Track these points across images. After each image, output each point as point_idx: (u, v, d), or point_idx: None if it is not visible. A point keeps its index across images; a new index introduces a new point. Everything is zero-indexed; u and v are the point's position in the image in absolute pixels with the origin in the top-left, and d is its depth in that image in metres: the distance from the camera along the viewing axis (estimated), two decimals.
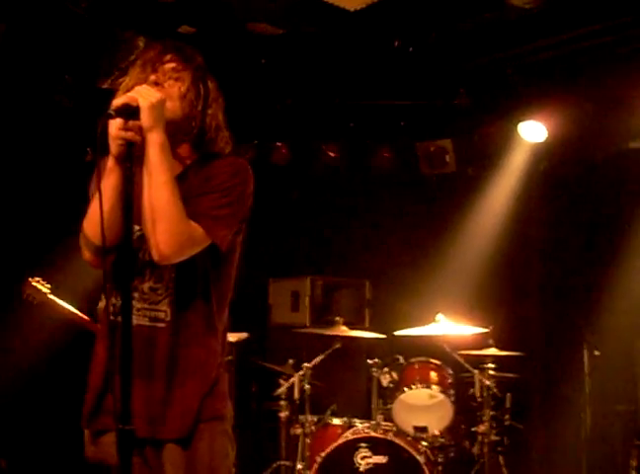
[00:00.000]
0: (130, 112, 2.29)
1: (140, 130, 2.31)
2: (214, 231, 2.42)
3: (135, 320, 2.38)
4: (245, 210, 2.55)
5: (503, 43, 6.02)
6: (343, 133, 6.78)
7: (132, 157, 2.30)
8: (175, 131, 2.43)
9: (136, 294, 2.43)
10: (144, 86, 2.37)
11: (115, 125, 2.29)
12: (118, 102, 2.30)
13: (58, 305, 4.86)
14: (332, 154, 6.81)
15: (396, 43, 5.94)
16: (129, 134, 2.29)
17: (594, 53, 5.75)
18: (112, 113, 2.27)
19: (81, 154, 5.82)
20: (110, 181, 2.34)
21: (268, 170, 6.64)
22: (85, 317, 4.86)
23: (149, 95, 2.32)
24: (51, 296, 4.85)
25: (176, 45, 2.56)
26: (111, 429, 2.35)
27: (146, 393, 2.39)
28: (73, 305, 4.90)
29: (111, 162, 2.35)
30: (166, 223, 2.32)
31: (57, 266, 5.44)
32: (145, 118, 2.29)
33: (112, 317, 2.41)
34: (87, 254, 2.49)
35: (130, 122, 2.29)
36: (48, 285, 4.87)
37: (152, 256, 2.37)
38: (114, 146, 2.31)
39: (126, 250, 2.26)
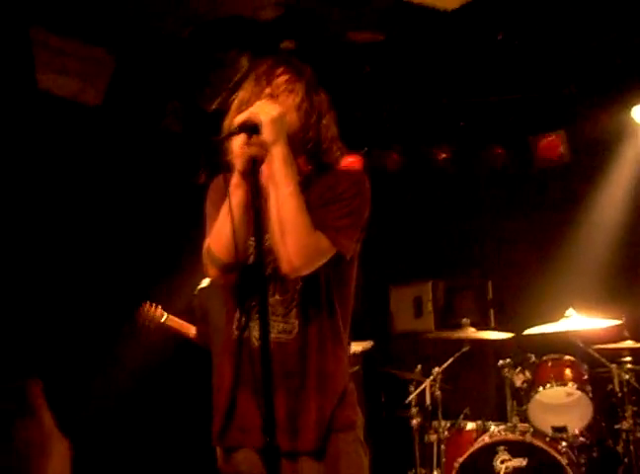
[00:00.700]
0: (252, 127, 2.31)
1: (263, 145, 2.33)
2: (339, 241, 2.42)
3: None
4: (364, 219, 2.55)
5: (608, 28, 5.84)
6: (453, 134, 6.70)
7: (257, 172, 2.33)
8: (293, 143, 2.43)
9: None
10: (263, 101, 2.40)
11: (238, 142, 2.32)
12: (240, 118, 2.34)
13: (174, 325, 4.97)
14: (444, 155, 6.74)
15: (499, 37, 5.84)
16: (254, 150, 2.32)
17: None
18: (235, 129, 2.31)
19: (191, 178, 5.94)
20: (236, 197, 2.36)
21: (381, 177, 6.62)
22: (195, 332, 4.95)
23: (270, 109, 2.34)
24: (165, 317, 4.96)
25: (286, 59, 2.59)
26: (243, 445, 2.41)
27: (275, 407, 2.39)
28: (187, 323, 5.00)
29: (236, 178, 2.37)
30: (295, 235, 2.33)
31: (172, 288, 5.57)
32: (268, 133, 2.31)
33: (237, 333, 2.45)
34: (213, 271, 2.51)
35: (254, 138, 2.31)
36: (160, 307, 4.98)
37: (282, 268, 2.37)
38: (239, 162, 2.34)
39: (260, 264, 2.28)
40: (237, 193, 2.37)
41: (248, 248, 2.45)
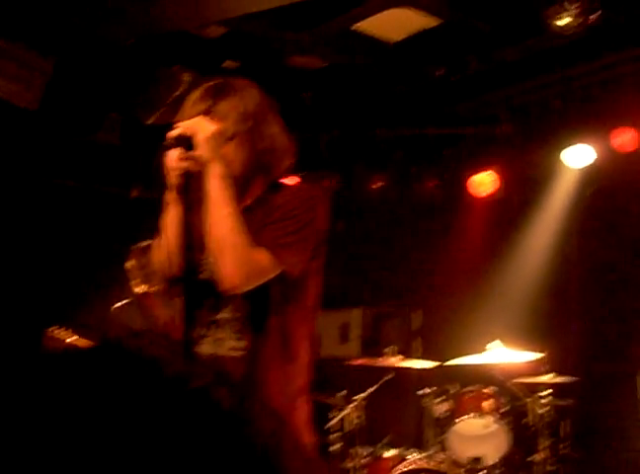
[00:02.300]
0: (186, 141, 2.29)
1: (197, 161, 2.31)
2: (283, 258, 2.40)
3: (212, 349, 2.41)
4: (318, 236, 2.52)
5: (544, 70, 6.01)
6: (388, 163, 6.79)
7: (190, 188, 2.31)
8: (239, 164, 2.43)
9: (213, 324, 2.44)
10: (200, 117, 2.38)
11: (172, 156, 2.30)
12: (174, 132, 2.32)
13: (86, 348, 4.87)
14: (378, 184, 6.81)
15: (438, 73, 5.96)
16: (187, 164, 2.30)
17: (636, 76, 5.72)
18: (169, 143, 2.29)
19: (127, 191, 5.88)
20: (172, 213, 2.35)
21: None
22: None
23: (205, 126, 2.32)
24: (71, 339, 4.86)
25: (231, 78, 2.57)
26: None
27: None
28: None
29: (171, 194, 2.36)
30: (232, 254, 2.31)
31: (90, 305, 5.49)
32: (203, 150, 2.30)
33: (184, 348, 2.42)
34: (137, 288, 2.50)
35: (187, 153, 2.30)
36: (68, 330, 4.89)
37: (221, 286, 2.36)
38: (172, 177, 2.32)
39: (191, 282, 2.28)
40: (172, 209, 2.36)
41: (202, 264, 2.43)
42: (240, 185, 2.42)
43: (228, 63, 5.90)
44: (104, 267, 5.39)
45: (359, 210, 7.37)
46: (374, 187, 6.84)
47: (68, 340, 4.85)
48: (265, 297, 2.43)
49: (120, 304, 4.73)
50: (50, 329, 4.86)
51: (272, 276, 2.40)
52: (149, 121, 5.58)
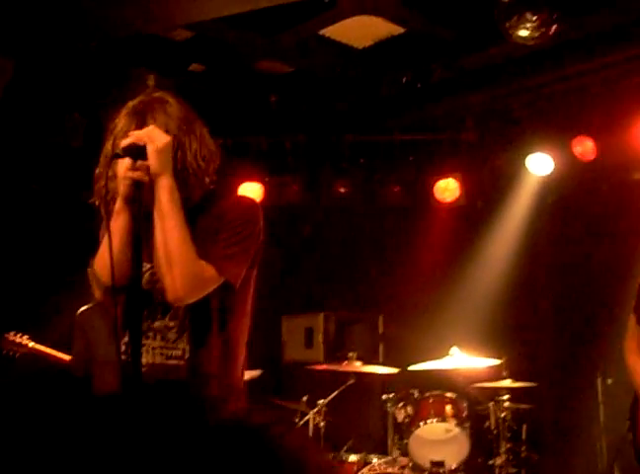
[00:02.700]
0: (138, 151, 2.28)
1: (148, 171, 2.31)
2: (226, 270, 2.42)
3: (152, 358, 2.42)
4: (256, 246, 2.56)
5: (507, 78, 6.09)
6: (355, 168, 6.81)
7: (140, 198, 2.30)
8: (181, 174, 2.42)
9: (151, 333, 2.44)
10: (152, 127, 2.36)
11: (123, 166, 2.29)
12: (125, 142, 2.31)
13: (40, 352, 4.85)
14: (342, 189, 6.83)
15: (404, 79, 6.01)
16: (138, 174, 2.30)
17: (596, 87, 5.81)
18: (119, 152, 2.28)
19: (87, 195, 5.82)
20: (119, 221, 2.35)
21: (280, 207, 6.66)
22: (68, 359, 4.84)
23: (158, 138, 2.32)
24: (31, 345, 4.84)
25: (155, 98, 2.51)
26: None
27: None
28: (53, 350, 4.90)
29: (119, 203, 2.35)
30: (179, 266, 2.33)
31: (50, 311, 5.46)
32: (154, 163, 2.30)
33: (123, 357, 2.41)
34: (97, 292, 2.49)
35: (138, 162, 2.29)
36: (26, 336, 4.86)
37: (167, 297, 2.37)
38: (122, 186, 2.31)
39: (136, 291, 2.26)
40: (120, 217, 2.35)
41: (142, 273, 2.40)
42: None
43: (194, 66, 5.90)
44: (67, 271, 5.37)
45: (323, 216, 7.39)
46: (339, 192, 6.86)
47: (24, 343, 4.83)
48: (204, 307, 2.45)
49: (84, 308, 4.72)
50: (9, 333, 4.84)
51: (215, 286, 2.42)
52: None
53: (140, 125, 2.41)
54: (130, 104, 2.51)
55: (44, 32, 4.74)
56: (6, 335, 4.81)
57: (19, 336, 4.82)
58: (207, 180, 2.54)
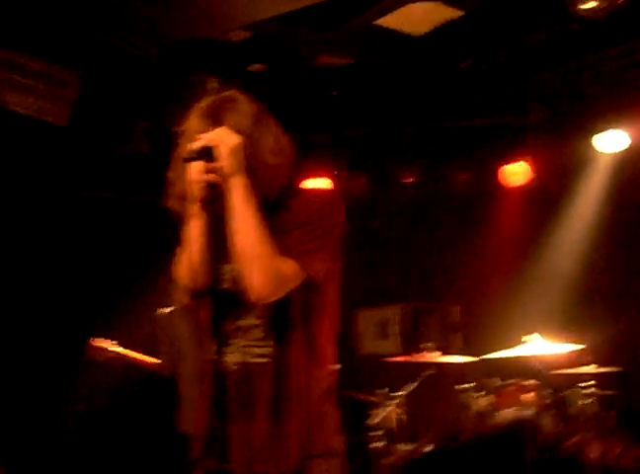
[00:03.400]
0: (209, 153, 2.27)
1: (219, 171, 2.29)
2: (307, 265, 2.39)
3: (239, 357, 2.41)
4: (337, 239, 2.51)
5: (573, 54, 5.94)
6: (421, 158, 6.75)
7: (217, 198, 2.29)
8: (255, 171, 2.39)
9: (238, 333, 2.44)
10: (222, 128, 2.35)
11: (195, 169, 2.28)
12: (196, 144, 2.29)
13: (127, 356, 4.92)
14: (410, 180, 6.77)
15: (464, 65, 5.91)
16: (212, 176, 2.28)
17: None
18: (193, 155, 2.27)
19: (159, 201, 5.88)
20: (196, 224, 2.34)
21: (348, 200, 6.64)
22: (154, 361, 4.91)
23: (228, 138, 2.31)
24: (118, 349, 4.91)
25: (226, 97, 2.49)
26: (223, 470, 2.32)
27: (252, 431, 2.37)
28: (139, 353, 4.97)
29: (195, 206, 2.33)
30: (259, 264, 2.31)
31: (132, 315, 5.55)
32: (227, 163, 2.29)
33: (213, 358, 2.42)
34: (183, 298, 2.50)
35: (211, 165, 2.28)
36: (112, 341, 4.94)
37: (250, 297, 2.35)
38: (196, 189, 2.29)
39: (219, 293, 2.27)
40: (197, 220, 2.34)
41: (223, 274, 2.42)
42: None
43: (254, 66, 5.92)
44: (142, 275, 5.46)
45: (392, 208, 7.34)
46: (406, 183, 6.81)
47: (111, 349, 4.91)
48: (288, 304, 2.43)
49: (164, 310, 4.78)
50: (94, 339, 4.93)
51: (297, 283, 2.39)
52: (180, 130, 5.60)
53: (213, 126, 2.39)
54: (201, 105, 2.49)
55: (109, 44, 4.82)
56: (92, 341, 4.91)
57: (105, 341, 4.91)
58: (283, 175, 2.52)
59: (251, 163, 2.39)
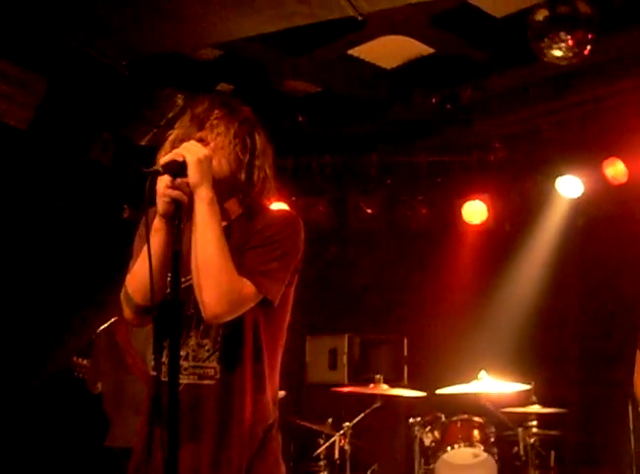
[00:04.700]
0: (178, 168, 2.25)
1: (187, 187, 2.27)
2: (265, 286, 2.35)
3: (183, 379, 2.33)
4: (295, 262, 2.49)
5: (537, 99, 6.04)
6: (381, 189, 6.78)
7: (180, 215, 2.25)
8: (220, 187, 2.38)
9: (183, 352, 2.38)
10: (191, 142, 2.34)
11: (162, 183, 2.25)
12: (165, 158, 2.28)
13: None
14: (369, 211, 6.79)
15: (433, 100, 5.98)
16: (177, 193, 2.25)
17: (627, 109, 5.75)
18: (159, 169, 2.23)
19: (118, 212, 5.83)
20: (156, 239, 2.29)
21: (305, 227, 6.63)
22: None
23: (196, 151, 2.29)
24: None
25: (222, 100, 2.53)
26: None
27: (194, 454, 2.31)
28: None
29: (157, 220, 2.30)
30: (215, 281, 2.26)
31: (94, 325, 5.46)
32: (193, 175, 2.26)
33: (153, 373, 2.37)
34: (128, 312, 2.44)
35: (178, 180, 2.25)
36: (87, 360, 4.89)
37: (202, 314, 2.30)
38: (160, 204, 2.27)
39: (175, 309, 2.19)
40: (157, 234, 2.30)
41: (181, 291, 2.32)
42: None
43: (222, 86, 5.90)
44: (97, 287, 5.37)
45: (348, 237, 7.36)
46: (366, 213, 6.83)
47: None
48: (239, 325, 2.38)
49: (103, 327, 4.70)
50: (74, 357, 4.87)
51: (253, 304, 2.35)
52: (142, 142, 5.56)
53: (199, 134, 2.40)
54: (194, 109, 2.49)
55: (77, 51, 4.76)
56: (73, 358, 4.84)
57: (81, 359, 4.85)
58: (256, 190, 2.50)
59: (218, 177, 2.37)
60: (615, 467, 5.73)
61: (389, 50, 5.66)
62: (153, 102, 5.45)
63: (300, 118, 6.26)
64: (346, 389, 5.94)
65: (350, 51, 5.63)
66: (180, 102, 5.46)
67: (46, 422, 5.68)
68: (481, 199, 6.60)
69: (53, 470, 5.58)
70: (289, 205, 6.63)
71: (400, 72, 5.92)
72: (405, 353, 7.18)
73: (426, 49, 5.65)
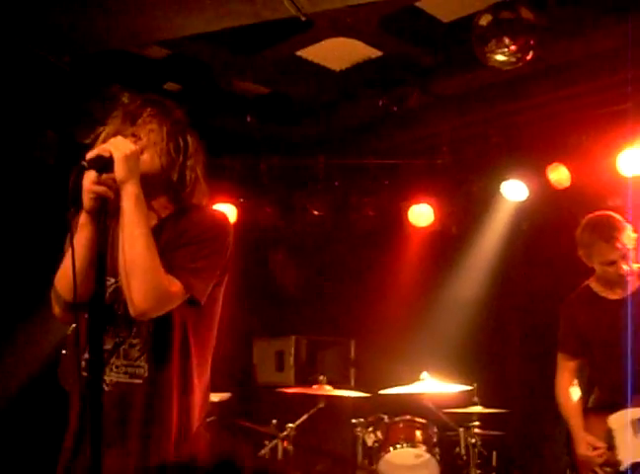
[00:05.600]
0: (104, 164, 2.25)
1: (114, 183, 2.27)
2: (192, 284, 2.36)
3: (113, 377, 2.36)
4: (224, 262, 2.50)
5: (483, 104, 6.12)
6: (328, 192, 6.80)
7: (105, 211, 2.26)
8: (151, 184, 2.40)
9: (116, 351, 2.38)
10: (119, 137, 2.34)
11: (88, 179, 2.25)
12: (91, 154, 2.26)
13: None
14: (316, 212, 6.81)
15: (380, 103, 6.02)
16: (102, 189, 2.25)
17: (571, 114, 5.84)
18: (85, 164, 2.23)
19: (62, 211, 5.75)
20: (82, 235, 2.29)
21: (251, 228, 6.63)
22: None
23: (123, 146, 2.29)
24: None
25: (155, 99, 2.54)
26: None
27: (122, 450, 2.32)
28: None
29: (83, 216, 2.30)
30: (142, 278, 2.26)
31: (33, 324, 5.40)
32: (119, 170, 2.26)
33: (84, 373, 2.35)
34: (57, 309, 2.43)
35: (104, 176, 2.25)
36: None
37: (130, 311, 2.30)
38: (86, 200, 2.26)
39: (99, 307, 2.20)
40: (84, 231, 2.29)
41: (106, 288, 2.35)
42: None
43: (170, 85, 5.88)
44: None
45: (295, 240, 7.36)
46: (313, 215, 6.84)
47: None
48: (167, 324, 2.38)
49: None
50: None
51: (180, 302, 2.35)
52: (86, 141, 5.49)
53: (131, 130, 2.41)
54: (125, 108, 2.50)
55: (19, 46, 4.69)
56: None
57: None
58: (187, 191, 2.51)
59: (149, 173, 2.37)
60: (554, 468, 5.80)
61: (337, 52, 5.69)
62: (98, 99, 5.39)
63: (249, 119, 6.26)
64: (291, 390, 5.95)
65: (298, 53, 5.65)
66: (126, 100, 5.42)
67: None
68: (427, 202, 6.65)
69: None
70: (236, 207, 6.62)
71: (348, 74, 5.95)
72: (352, 354, 7.22)
73: (374, 52, 5.68)
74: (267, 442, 5.49)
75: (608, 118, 5.60)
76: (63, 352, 4.73)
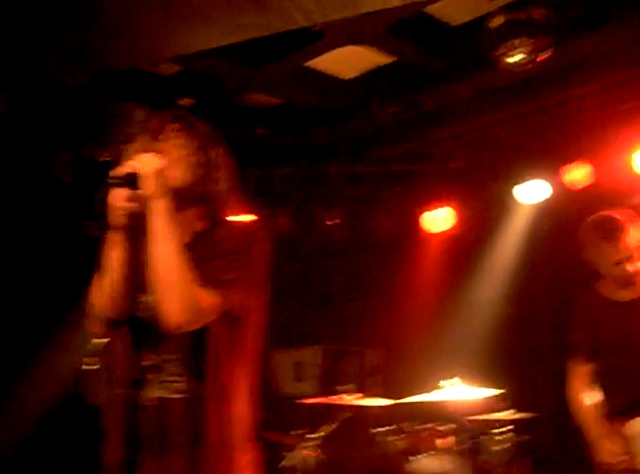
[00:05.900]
0: (132, 180, 2.24)
1: (142, 200, 2.26)
2: (227, 296, 2.35)
3: (154, 392, 2.35)
4: (260, 272, 2.48)
5: (496, 106, 6.09)
6: (345, 200, 6.79)
7: (137, 228, 2.25)
8: (182, 199, 2.38)
9: (155, 367, 2.37)
10: (145, 154, 2.34)
11: (115, 196, 2.24)
12: (119, 171, 2.26)
13: None
14: (331, 222, 6.79)
15: (392, 110, 6.00)
16: (131, 205, 2.24)
17: (585, 114, 5.81)
18: (113, 182, 2.23)
19: (80, 229, 5.78)
20: (115, 253, 2.28)
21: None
22: None
23: (151, 162, 2.28)
24: None
25: (180, 114, 2.55)
26: None
27: (165, 468, 2.31)
28: None
29: (114, 233, 2.29)
30: (176, 292, 2.25)
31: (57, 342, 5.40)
32: (148, 186, 2.25)
33: (128, 392, 2.34)
34: (96, 327, 2.42)
35: (133, 192, 2.24)
36: None
37: (165, 326, 2.29)
38: (115, 217, 2.25)
39: (138, 323, 2.22)
40: (115, 249, 2.29)
41: (142, 304, 2.36)
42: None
43: (184, 101, 5.88)
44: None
45: (314, 249, 7.35)
46: (328, 224, 6.83)
47: None
48: (205, 337, 2.37)
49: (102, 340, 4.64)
50: None
51: (216, 315, 2.34)
52: (102, 158, 5.51)
53: (156, 147, 2.40)
54: (151, 123, 2.50)
55: (36, 68, 4.71)
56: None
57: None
58: (218, 203, 2.51)
59: (178, 188, 2.36)
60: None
61: (347, 61, 5.67)
62: (113, 117, 5.41)
63: (260, 131, 6.25)
64: (310, 401, 5.91)
65: (308, 63, 5.64)
66: (140, 117, 5.42)
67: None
68: (445, 207, 6.63)
69: None
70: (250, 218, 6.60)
71: (358, 82, 5.94)
72: (373, 362, 7.18)
73: (383, 59, 5.67)
74: (293, 454, 5.45)
75: (626, 115, 5.56)
76: (90, 367, 4.74)
